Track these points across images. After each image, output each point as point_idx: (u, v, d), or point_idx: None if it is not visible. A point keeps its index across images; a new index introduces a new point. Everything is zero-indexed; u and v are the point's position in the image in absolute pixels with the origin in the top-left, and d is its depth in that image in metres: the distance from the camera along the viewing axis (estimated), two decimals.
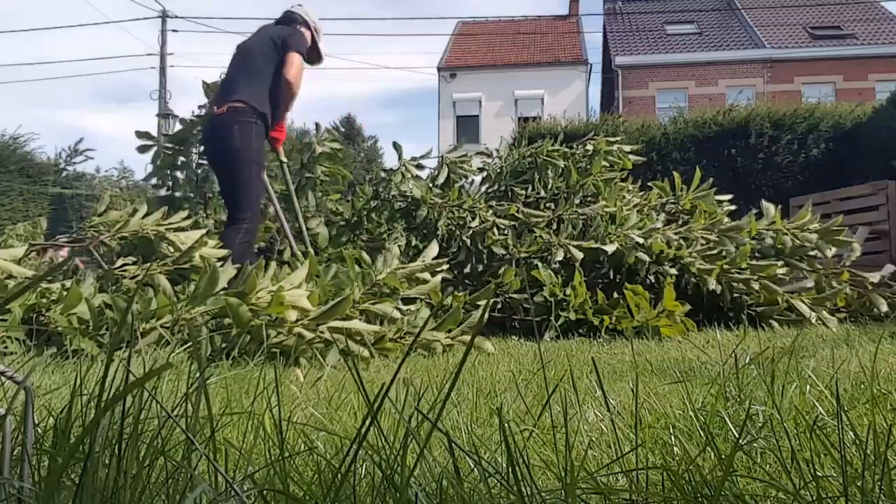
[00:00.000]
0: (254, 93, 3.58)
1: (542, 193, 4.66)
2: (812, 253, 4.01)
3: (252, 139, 3.53)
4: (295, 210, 4.11)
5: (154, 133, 4.48)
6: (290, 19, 3.93)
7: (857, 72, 21.35)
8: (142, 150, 4.33)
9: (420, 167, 4.56)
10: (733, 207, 4.76)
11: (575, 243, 3.92)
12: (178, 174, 4.39)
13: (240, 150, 3.48)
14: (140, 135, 4.34)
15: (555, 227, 4.27)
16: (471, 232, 4.11)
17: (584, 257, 3.84)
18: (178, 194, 4.34)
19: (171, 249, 3.14)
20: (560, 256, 3.87)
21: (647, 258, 3.77)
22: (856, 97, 16.09)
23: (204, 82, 4.27)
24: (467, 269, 4.10)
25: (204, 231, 3.36)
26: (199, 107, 4.30)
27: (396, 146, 4.63)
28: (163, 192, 4.44)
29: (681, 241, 3.95)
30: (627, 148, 5.02)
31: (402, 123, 67.27)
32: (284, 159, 3.97)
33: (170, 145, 4.35)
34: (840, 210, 6.02)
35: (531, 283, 3.91)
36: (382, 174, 4.49)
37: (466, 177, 4.73)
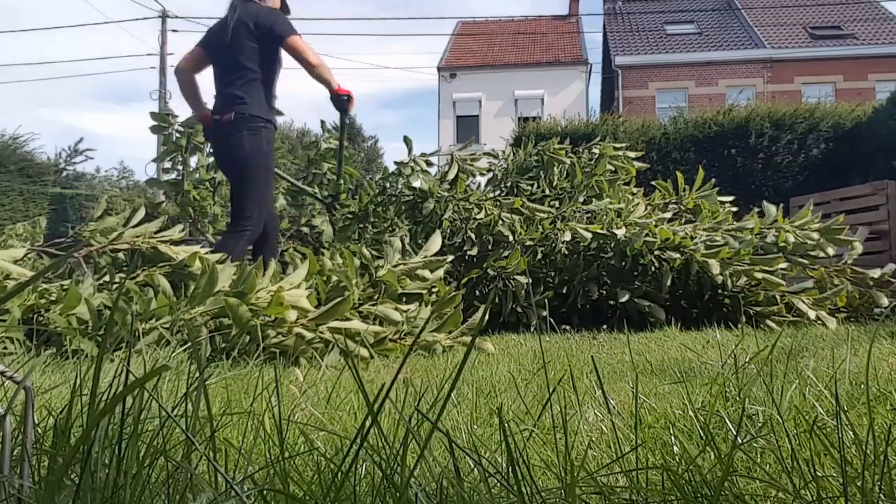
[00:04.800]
0: (255, 97, 3.49)
1: (548, 191, 4.69)
2: (813, 252, 4.02)
3: (262, 145, 3.48)
4: (339, 160, 4.31)
5: (156, 126, 4.53)
6: None
7: (857, 72, 21.37)
8: (155, 130, 4.42)
9: (429, 163, 4.59)
10: (735, 209, 4.78)
11: (582, 226, 3.94)
12: (192, 159, 4.46)
13: (249, 157, 3.44)
14: (155, 116, 4.45)
15: (559, 223, 4.29)
16: (476, 224, 4.12)
17: (592, 241, 3.86)
18: (187, 181, 4.42)
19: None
20: (567, 237, 3.88)
21: (655, 240, 3.79)
22: (856, 97, 16.09)
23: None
24: (473, 252, 4.10)
25: (199, 246, 3.39)
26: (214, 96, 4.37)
27: (407, 140, 4.66)
28: (173, 177, 4.51)
29: (686, 233, 3.97)
30: (633, 154, 5.06)
31: (402, 123, 67.29)
32: (346, 120, 4.13)
33: (181, 130, 4.41)
34: (840, 210, 6.02)
35: (533, 283, 3.91)
36: (393, 166, 4.54)
37: (475, 175, 4.77)
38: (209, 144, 4.23)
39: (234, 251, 3.29)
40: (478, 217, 4.12)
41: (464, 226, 4.17)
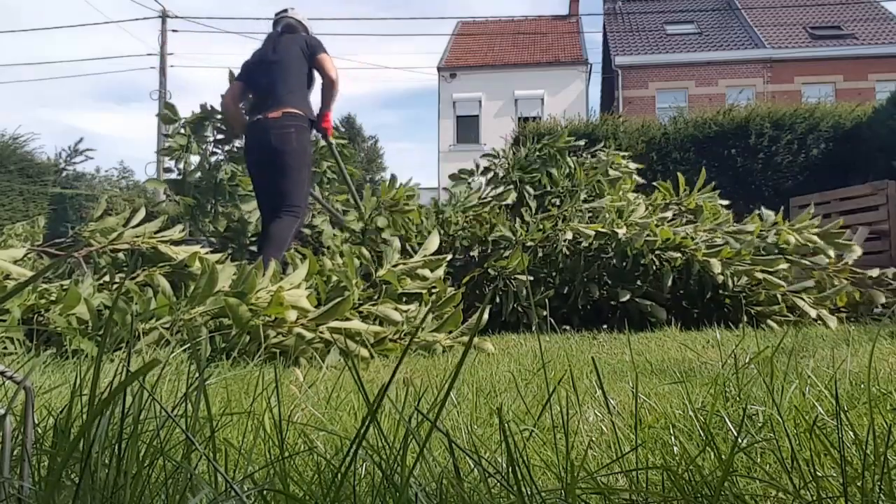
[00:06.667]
0: (303, 102, 3.91)
1: (550, 188, 4.69)
2: (814, 257, 4.02)
3: (307, 143, 3.87)
4: (348, 185, 4.44)
5: (156, 134, 4.54)
6: (293, 27, 4.13)
7: (857, 72, 21.35)
8: (166, 119, 4.46)
9: (411, 196, 4.47)
10: (728, 204, 4.80)
11: (584, 225, 3.94)
12: (192, 158, 4.47)
13: (297, 152, 3.77)
14: (167, 106, 4.51)
15: (560, 223, 4.29)
16: (472, 233, 4.12)
17: (593, 241, 3.86)
18: (189, 179, 4.42)
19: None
20: (569, 236, 3.89)
21: (656, 239, 3.79)
22: (856, 97, 16.08)
23: (231, 72, 4.41)
24: (474, 252, 4.10)
25: (199, 246, 3.41)
26: (222, 96, 4.39)
27: (393, 178, 4.56)
28: (174, 176, 4.51)
29: (687, 233, 3.97)
30: (633, 166, 5.10)
31: (402, 123, 67.36)
32: (332, 141, 4.26)
33: (184, 129, 4.41)
34: (840, 210, 6.03)
35: (534, 283, 3.91)
36: (392, 167, 4.49)
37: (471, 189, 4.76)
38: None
39: (286, 231, 3.61)
40: (479, 234, 4.13)
41: (467, 235, 4.17)
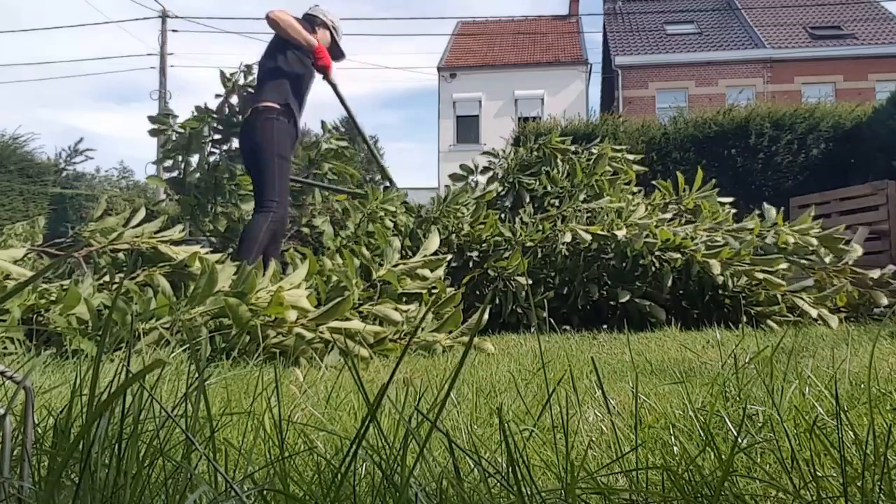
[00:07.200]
0: (272, 90, 3.83)
1: (549, 188, 4.69)
2: (812, 256, 4.02)
3: (272, 133, 3.80)
4: (363, 136, 4.58)
5: (155, 129, 4.51)
6: (309, 21, 4.12)
7: (857, 72, 21.36)
8: (154, 133, 4.43)
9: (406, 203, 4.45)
10: (734, 210, 4.78)
11: (583, 227, 3.94)
12: (192, 159, 4.47)
13: (260, 147, 3.77)
14: (154, 119, 4.47)
15: (560, 224, 4.29)
16: (468, 231, 4.12)
17: (592, 242, 3.86)
18: (189, 179, 4.42)
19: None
20: (568, 238, 3.89)
21: (655, 241, 3.79)
22: (856, 97, 16.09)
23: (222, 72, 4.40)
24: (473, 253, 4.10)
25: (199, 246, 3.42)
26: (216, 95, 4.43)
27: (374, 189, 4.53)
28: (174, 175, 4.51)
29: (686, 233, 3.97)
30: (631, 157, 5.07)
31: (402, 123, 67.42)
32: (335, 82, 4.17)
33: (181, 130, 4.41)
34: (840, 210, 6.03)
35: (533, 284, 3.91)
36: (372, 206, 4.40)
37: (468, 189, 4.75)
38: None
39: (256, 230, 3.59)
40: (477, 238, 4.14)
41: (466, 239, 4.17)
